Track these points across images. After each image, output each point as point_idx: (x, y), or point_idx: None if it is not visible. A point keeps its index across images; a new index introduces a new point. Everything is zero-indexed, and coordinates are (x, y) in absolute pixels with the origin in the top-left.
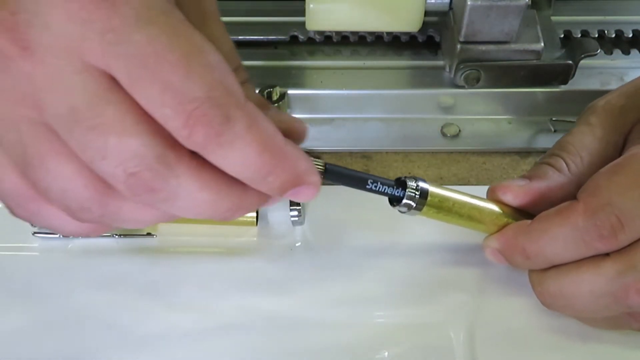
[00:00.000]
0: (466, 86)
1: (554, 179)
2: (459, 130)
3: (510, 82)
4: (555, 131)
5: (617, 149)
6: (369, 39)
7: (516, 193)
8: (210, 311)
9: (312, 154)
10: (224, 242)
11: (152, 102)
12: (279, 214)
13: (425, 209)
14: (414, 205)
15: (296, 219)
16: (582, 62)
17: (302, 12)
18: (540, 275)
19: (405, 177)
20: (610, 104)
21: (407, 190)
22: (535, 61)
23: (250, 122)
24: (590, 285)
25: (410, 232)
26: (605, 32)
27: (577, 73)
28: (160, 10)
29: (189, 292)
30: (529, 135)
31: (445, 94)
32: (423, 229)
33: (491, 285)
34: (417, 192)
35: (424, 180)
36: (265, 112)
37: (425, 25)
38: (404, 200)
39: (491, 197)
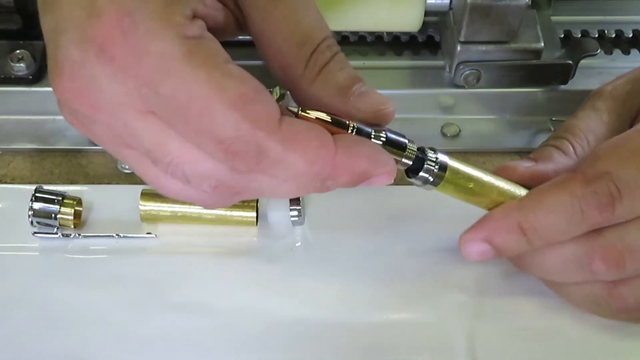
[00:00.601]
0: (466, 86)
1: (559, 161)
2: (459, 130)
3: (510, 82)
4: (555, 131)
5: None
6: (369, 39)
7: (521, 175)
8: (210, 311)
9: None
10: (224, 242)
11: (194, 141)
12: (279, 214)
13: (442, 184)
14: (431, 179)
15: (296, 219)
16: (582, 62)
17: None
18: None
19: (423, 147)
20: (616, 90)
21: (425, 162)
22: (535, 61)
23: (286, 144)
24: (561, 250)
25: (410, 232)
26: (605, 32)
27: (577, 73)
28: (181, 57)
29: (189, 292)
30: (529, 135)
31: (445, 94)
32: (423, 229)
33: (491, 285)
34: (435, 165)
35: (443, 153)
36: (351, 91)
37: (425, 25)
38: (421, 173)
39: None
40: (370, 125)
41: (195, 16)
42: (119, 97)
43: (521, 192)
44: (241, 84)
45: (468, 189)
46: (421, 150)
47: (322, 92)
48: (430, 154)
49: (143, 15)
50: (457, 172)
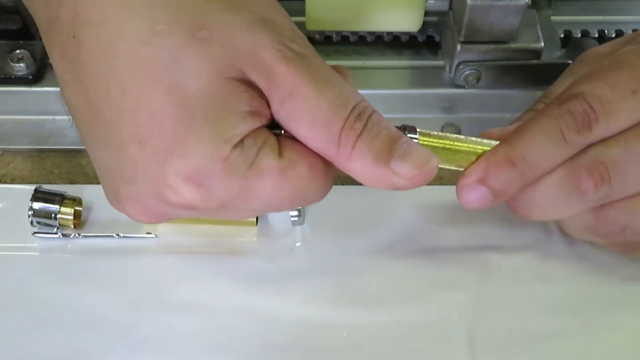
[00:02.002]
0: (466, 86)
1: None
2: (459, 131)
3: (510, 82)
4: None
5: None
6: (369, 39)
7: (498, 137)
8: (210, 311)
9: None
10: (224, 242)
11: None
12: (279, 214)
13: None
14: None
15: (296, 219)
16: None
17: (302, 12)
18: None
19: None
20: (598, 53)
21: None
22: (535, 61)
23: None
24: (550, 177)
25: (410, 232)
26: (605, 32)
27: None
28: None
29: (189, 292)
30: None
31: (445, 94)
32: (423, 228)
33: (491, 285)
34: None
35: (414, 131)
36: (390, 158)
37: (425, 25)
38: None
39: None
40: None
41: (244, 139)
42: (197, 215)
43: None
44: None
45: (445, 148)
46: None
47: (360, 167)
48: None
49: (212, 179)
50: (428, 134)
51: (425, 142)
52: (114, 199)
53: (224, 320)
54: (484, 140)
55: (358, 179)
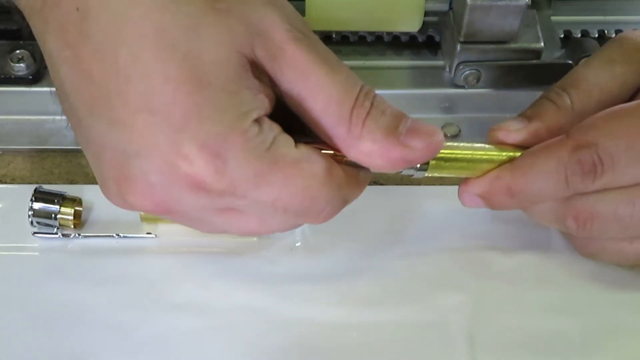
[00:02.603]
0: (466, 86)
1: (553, 119)
2: (459, 130)
3: (510, 82)
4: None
5: (631, 92)
6: (369, 39)
7: (513, 140)
8: (210, 311)
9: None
10: (224, 242)
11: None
12: None
13: (430, 168)
14: (418, 166)
15: None
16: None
17: (302, 12)
18: None
19: None
20: (636, 41)
21: None
22: (535, 61)
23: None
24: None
25: (410, 232)
26: (605, 32)
27: None
28: (270, 170)
29: (189, 292)
30: None
31: (445, 94)
32: (423, 228)
33: (491, 285)
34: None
35: None
36: (398, 131)
37: (425, 25)
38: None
39: (490, 140)
40: None
41: (259, 119)
42: (202, 205)
43: (515, 153)
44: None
45: (458, 167)
46: None
47: (371, 142)
48: None
49: (229, 151)
50: (441, 157)
51: (440, 155)
52: (114, 182)
53: (224, 320)
54: (501, 152)
55: (368, 161)
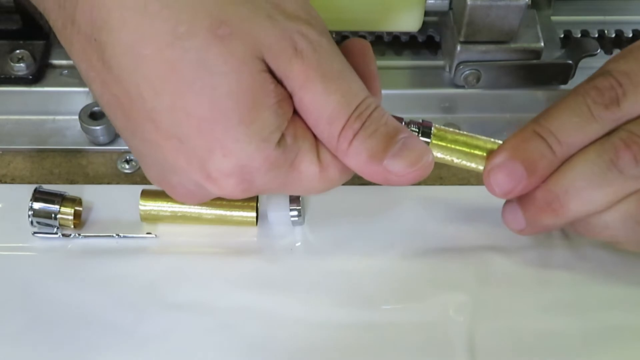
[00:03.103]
0: (466, 86)
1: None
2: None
3: (510, 82)
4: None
5: None
6: (369, 39)
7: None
8: (210, 311)
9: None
10: (224, 242)
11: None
12: (279, 214)
13: (432, 142)
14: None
15: (296, 219)
16: (582, 62)
17: None
18: None
19: (410, 121)
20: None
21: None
22: (535, 61)
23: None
24: (584, 155)
25: (411, 232)
26: (605, 32)
27: (577, 73)
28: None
29: (189, 292)
30: None
31: (445, 94)
32: (423, 228)
33: (491, 285)
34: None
35: (428, 127)
36: (384, 156)
37: (425, 25)
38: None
39: None
40: None
41: (283, 136)
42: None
43: None
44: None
45: (462, 142)
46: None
47: (356, 164)
48: (412, 127)
49: (255, 175)
50: (444, 129)
51: (440, 140)
52: (157, 182)
53: (224, 320)
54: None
55: (356, 171)
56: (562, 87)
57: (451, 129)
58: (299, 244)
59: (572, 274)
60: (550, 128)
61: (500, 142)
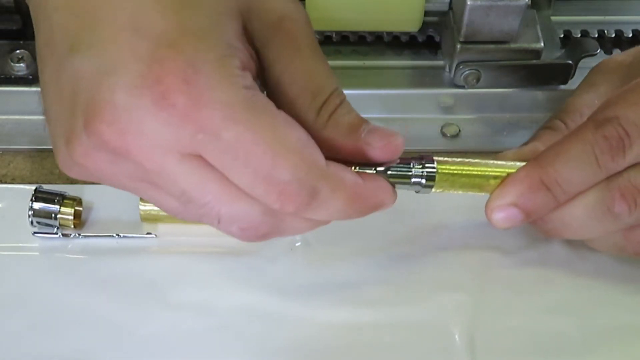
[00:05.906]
0: (466, 86)
1: (549, 139)
2: (459, 130)
3: (510, 82)
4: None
5: None
6: (369, 39)
7: (512, 153)
8: (210, 311)
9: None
10: (224, 242)
11: (245, 185)
12: None
13: (436, 186)
14: (423, 182)
15: None
16: (582, 62)
17: None
18: None
19: (413, 158)
20: (616, 62)
21: (413, 171)
22: (535, 61)
23: (334, 185)
24: (583, 199)
25: (410, 232)
26: (605, 32)
27: (577, 73)
28: (243, 106)
29: (189, 292)
30: (529, 135)
31: (445, 94)
32: (423, 228)
33: (491, 285)
34: (422, 176)
35: (431, 161)
36: (360, 130)
37: (425, 25)
38: (412, 179)
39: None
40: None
41: (244, 67)
42: (164, 141)
43: (521, 164)
44: (297, 129)
45: (463, 182)
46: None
47: (334, 133)
48: (417, 168)
49: (204, 65)
50: (446, 161)
51: (444, 170)
52: (82, 115)
53: (224, 320)
54: (507, 163)
55: (327, 151)
56: (562, 87)
57: (452, 159)
58: (299, 243)
59: (572, 274)
60: (558, 179)
61: (503, 163)
